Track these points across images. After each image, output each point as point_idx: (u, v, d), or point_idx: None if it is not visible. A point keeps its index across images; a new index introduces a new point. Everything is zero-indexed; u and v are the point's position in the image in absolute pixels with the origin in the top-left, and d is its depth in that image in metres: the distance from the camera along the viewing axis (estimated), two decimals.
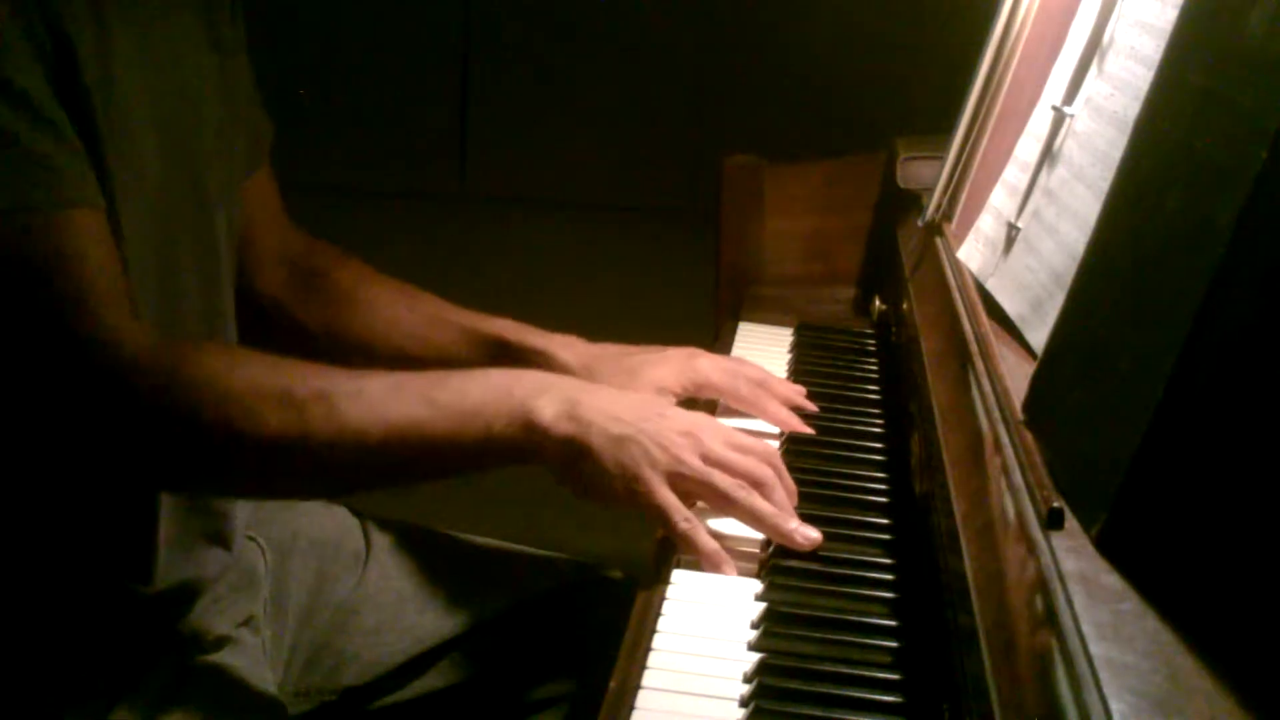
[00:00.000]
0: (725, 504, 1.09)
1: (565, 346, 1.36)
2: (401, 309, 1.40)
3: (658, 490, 1.06)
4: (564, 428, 1.06)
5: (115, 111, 1.05)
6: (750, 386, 1.33)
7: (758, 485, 1.09)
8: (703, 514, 1.10)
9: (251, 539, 1.29)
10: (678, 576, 1.04)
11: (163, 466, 1.06)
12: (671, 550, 1.08)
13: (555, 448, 1.07)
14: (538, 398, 1.08)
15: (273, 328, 1.29)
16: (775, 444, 1.30)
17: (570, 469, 1.08)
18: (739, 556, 1.08)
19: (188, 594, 1.18)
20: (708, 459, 1.09)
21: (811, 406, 1.35)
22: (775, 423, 1.32)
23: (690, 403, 1.35)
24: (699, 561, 1.06)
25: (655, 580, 1.04)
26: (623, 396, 1.13)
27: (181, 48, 1.15)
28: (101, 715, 1.11)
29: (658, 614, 0.99)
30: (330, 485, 1.17)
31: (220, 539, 1.22)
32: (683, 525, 1.06)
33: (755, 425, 1.33)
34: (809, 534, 1.08)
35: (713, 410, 1.34)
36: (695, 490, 1.09)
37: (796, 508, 1.12)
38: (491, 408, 1.07)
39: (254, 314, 1.33)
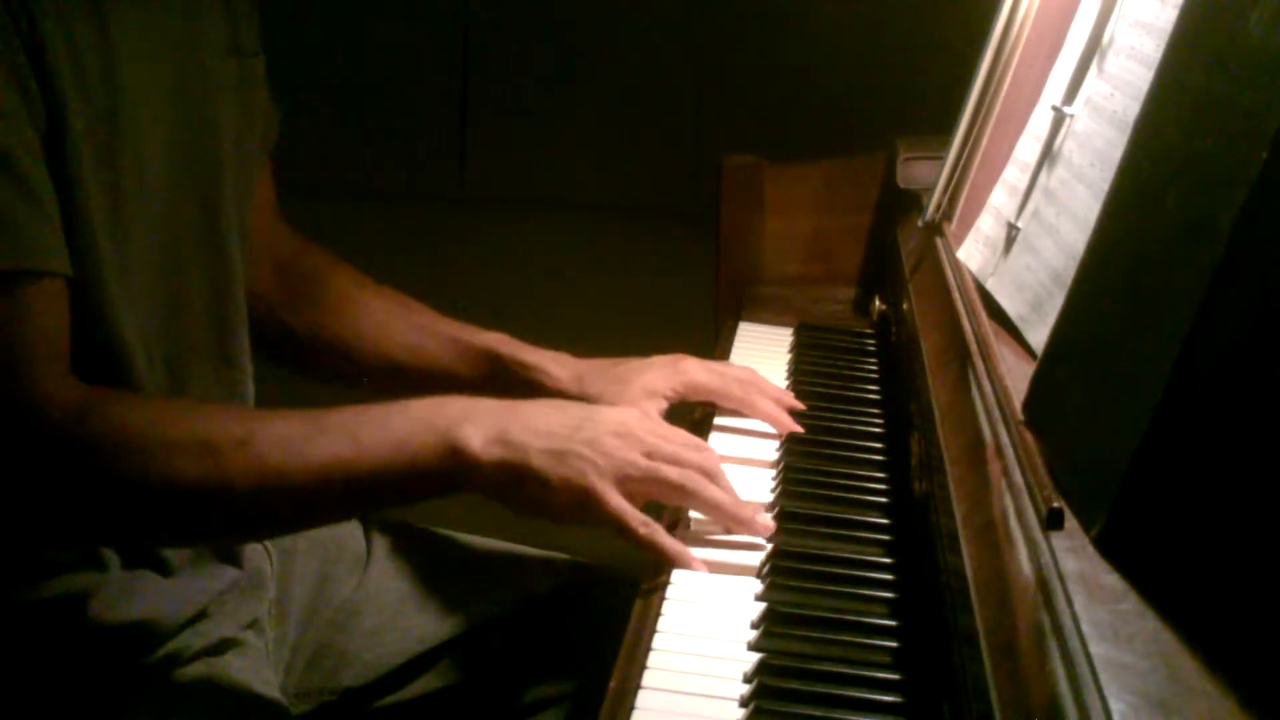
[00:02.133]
0: (680, 496, 1.08)
1: (556, 361, 1.36)
2: (393, 317, 1.39)
3: (609, 499, 1.04)
4: (495, 453, 1.04)
5: (123, 134, 1.05)
6: (741, 386, 1.34)
7: (707, 475, 1.09)
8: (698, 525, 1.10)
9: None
10: (678, 576, 1.04)
11: (86, 520, 1.06)
12: None
13: (489, 473, 1.05)
14: (462, 425, 1.05)
15: (259, 328, 1.28)
16: (775, 444, 1.30)
17: (511, 492, 1.06)
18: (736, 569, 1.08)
19: (198, 610, 1.18)
20: (651, 455, 1.08)
21: (800, 405, 1.35)
22: (768, 420, 1.32)
23: (687, 414, 1.35)
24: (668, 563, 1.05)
25: (655, 580, 1.04)
26: (547, 410, 1.10)
27: (201, 57, 1.15)
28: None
29: (658, 614, 0.99)
30: (260, 529, 1.16)
31: (231, 557, 1.22)
32: (642, 530, 1.05)
33: (754, 426, 1.34)
34: (767, 522, 1.08)
35: (709, 420, 1.34)
36: (647, 489, 1.07)
37: (797, 507, 1.12)
38: (417, 439, 1.05)
39: None
